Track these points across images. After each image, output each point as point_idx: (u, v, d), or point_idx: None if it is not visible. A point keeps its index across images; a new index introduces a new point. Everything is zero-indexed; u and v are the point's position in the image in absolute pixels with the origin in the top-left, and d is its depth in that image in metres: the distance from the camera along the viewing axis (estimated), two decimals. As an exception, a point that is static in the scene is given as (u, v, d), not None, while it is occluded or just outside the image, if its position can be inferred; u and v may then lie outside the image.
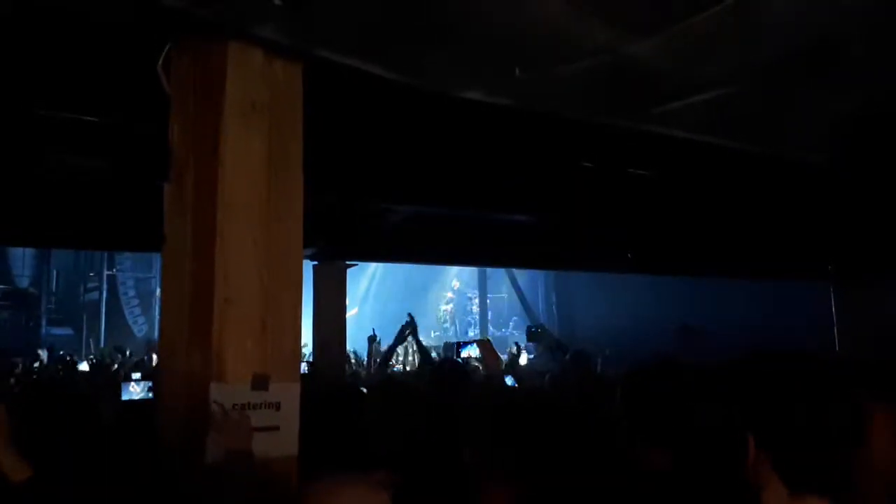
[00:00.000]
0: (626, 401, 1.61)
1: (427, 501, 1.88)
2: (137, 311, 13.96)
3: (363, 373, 5.77)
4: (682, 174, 3.49)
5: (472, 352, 3.78)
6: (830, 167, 3.57)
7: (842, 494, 1.13)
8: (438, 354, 6.75)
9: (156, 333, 12.57)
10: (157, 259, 12.76)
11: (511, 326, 12.96)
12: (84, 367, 7.76)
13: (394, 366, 6.77)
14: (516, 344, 8.55)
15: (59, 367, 7.80)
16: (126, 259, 13.79)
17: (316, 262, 4.30)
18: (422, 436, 2.02)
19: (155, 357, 7.97)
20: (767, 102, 2.92)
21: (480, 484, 1.72)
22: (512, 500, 1.67)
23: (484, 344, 3.53)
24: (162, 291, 2.20)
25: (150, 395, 3.20)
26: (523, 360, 7.03)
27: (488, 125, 2.88)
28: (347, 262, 4.40)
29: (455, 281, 13.93)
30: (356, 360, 6.34)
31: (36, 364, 8.18)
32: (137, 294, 13.96)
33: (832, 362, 1.20)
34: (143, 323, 13.85)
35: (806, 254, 5.05)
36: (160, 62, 2.03)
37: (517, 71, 2.35)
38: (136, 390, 3.31)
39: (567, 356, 6.31)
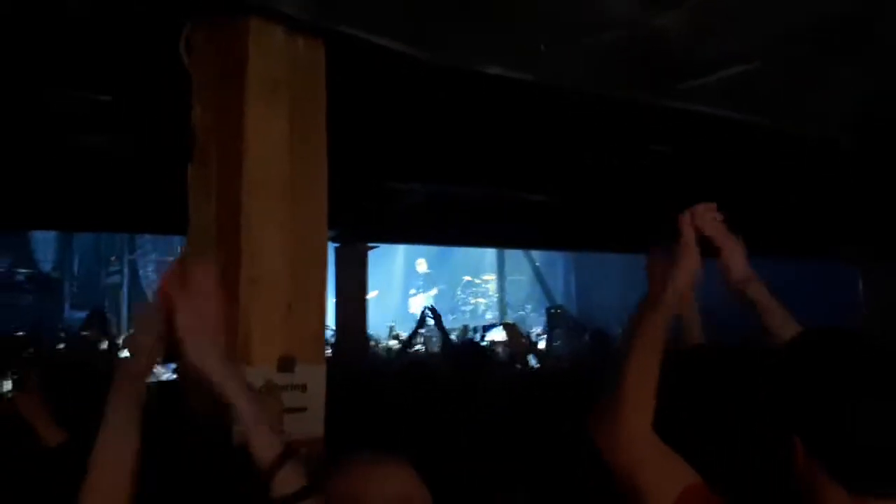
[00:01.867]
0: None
1: (451, 480, 1.87)
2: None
3: (385, 356, 5.79)
4: (705, 152, 3.42)
5: (497, 335, 3.75)
6: (857, 148, 3.49)
7: None
8: (457, 338, 6.76)
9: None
10: (178, 242, 12.87)
11: (529, 309, 12.92)
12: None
13: (416, 350, 6.79)
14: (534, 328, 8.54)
15: (83, 347, 7.89)
16: (147, 242, 13.89)
17: (338, 245, 4.29)
18: (441, 416, 2.01)
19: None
20: (793, 79, 2.84)
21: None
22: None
23: (510, 327, 3.51)
24: (186, 274, 2.18)
25: (175, 376, 3.22)
26: (542, 342, 7.02)
27: (510, 103, 2.83)
28: (369, 244, 4.38)
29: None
30: (378, 342, 6.36)
31: (60, 346, 8.28)
32: (159, 277, 14.06)
33: (883, 347, 1.10)
34: (165, 306, 13.95)
35: (832, 236, 4.96)
36: (182, 41, 2.00)
37: (541, 46, 2.30)
38: (159, 370, 3.33)
39: (586, 336, 6.29)
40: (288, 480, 1.15)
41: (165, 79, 2.08)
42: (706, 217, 1.38)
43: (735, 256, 1.39)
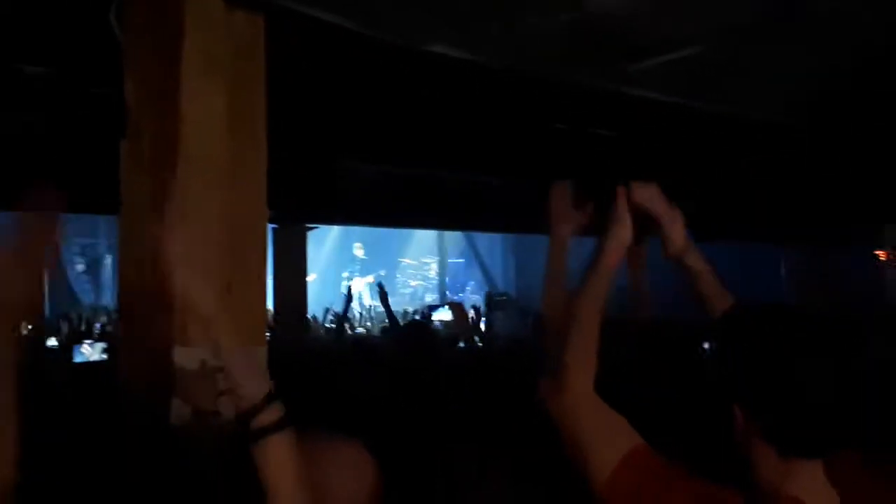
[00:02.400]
0: None
1: (401, 461, 1.88)
2: (84, 277, 13.54)
3: (324, 337, 5.74)
4: (653, 136, 3.50)
5: (442, 315, 3.75)
6: (803, 129, 3.62)
7: (833, 455, 1.11)
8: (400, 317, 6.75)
9: (104, 300, 12.24)
10: (103, 224, 12.38)
11: (468, 291, 13.01)
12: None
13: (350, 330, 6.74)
14: (474, 307, 8.59)
15: None
16: (69, 223, 13.31)
17: (276, 225, 4.20)
18: (389, 396, 2.01)
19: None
20: (741, 61, 2.92)
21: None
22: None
23: (456, 307, 3.52)
24: (119, 254, 2.11)
25: (106, 356, 3.12)
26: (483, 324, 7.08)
27: (458, 84, 2.83)
28: (308, 226, 4.31)
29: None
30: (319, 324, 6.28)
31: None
32: (83, 260, 13.53)
33: (821, 318, 1.15)
34: (90, 290, 13.45)
35: (763, 217, 5.16)
36: (112, 10, 1.91)
37: (488, 25, 2.30)
38: (88, 352, 3.21)
39: (529, 320, 6.39)
40: (269, 416, 1.13)
41: (96, 50, 1.98)
42: (645, 191, 1.41)
43: (674, 227, 1.42)
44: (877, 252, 6.11)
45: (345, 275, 13.56)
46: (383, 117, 2.94)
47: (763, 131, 3.57)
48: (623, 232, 1.34)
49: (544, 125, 3.19)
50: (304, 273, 4.45)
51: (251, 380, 1.16)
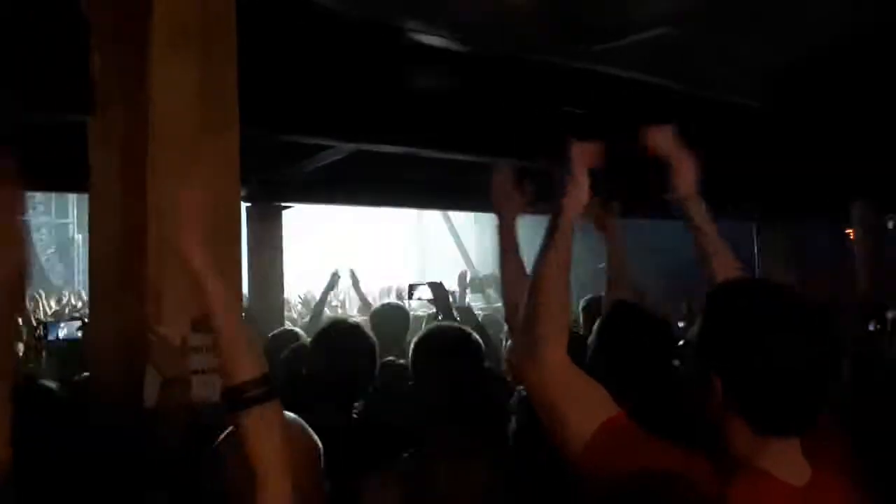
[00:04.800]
0: None
1: (369, 442, 1.89)
2: (55, 258, 13.31)
3: (300, 320, 5.70)
4: (618, 114, 3.50)
5: (423, 293, 3.73)
6: (762, 112, 3.67)
7: (808, 433, 1.12)
8: (374, 300, 6.73)
9: (76, 281, 12.07)
10: (73, 203, 12.15)
11: (448, 270, 13.01)
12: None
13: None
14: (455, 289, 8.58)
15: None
16: (39, 204, 13.05)
17: (250, 203, 4.15)
18: (371, 376, 2.01)
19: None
20: (705, 45, 2.95)
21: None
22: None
23: (436, 286, 3.50)
24: (89, 232, 2.08)
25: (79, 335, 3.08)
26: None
27: (429, 61, 2.81)
28: (283, 204, 4.25)
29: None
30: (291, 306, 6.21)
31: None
32: (54, 241, 13.30)
33: (801, 296, 1.16)
34: (61, 270, 13.23)
35: (735, 195, 5.21)
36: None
37: (455, 3, 2.29)
38: (62, 332, 3.17)
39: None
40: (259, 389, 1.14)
41: (61, 21, 1.93)
42: (658, 132, 1.41)
43: (682, 169, 1.41)
44: (847, 231, 6.21)
45: (326, 256, 13.50)
46: (358, 95, 2.91)
47: (733, 111, 3.61)
48: (578, 192, 1.32)
49: (515, 104, 3.19)
50: (280, 253, 4.40)
51: (246, 357, 1.18)
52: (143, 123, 1.82)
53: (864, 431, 1.46)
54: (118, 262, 1.90)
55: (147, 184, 1.81)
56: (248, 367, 1.17)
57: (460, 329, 1.87)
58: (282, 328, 3.39)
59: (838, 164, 4.35)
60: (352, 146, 3.26)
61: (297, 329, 3.38)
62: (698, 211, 1.46)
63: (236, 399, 1.14)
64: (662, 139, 1.37)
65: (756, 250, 6.49)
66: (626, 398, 1.19)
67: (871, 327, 3.31)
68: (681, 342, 1.70)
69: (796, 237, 6.19)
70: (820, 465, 1.14)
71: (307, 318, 5.69)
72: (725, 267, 1.41)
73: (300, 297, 6.12)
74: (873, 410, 1.90)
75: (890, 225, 6.38)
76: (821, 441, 1.17)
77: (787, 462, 1.10)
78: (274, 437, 1.14)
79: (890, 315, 3.42)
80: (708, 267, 1.44)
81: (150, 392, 1.69)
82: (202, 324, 1.82)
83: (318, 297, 6.10)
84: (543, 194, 1.48)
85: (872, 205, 5.41)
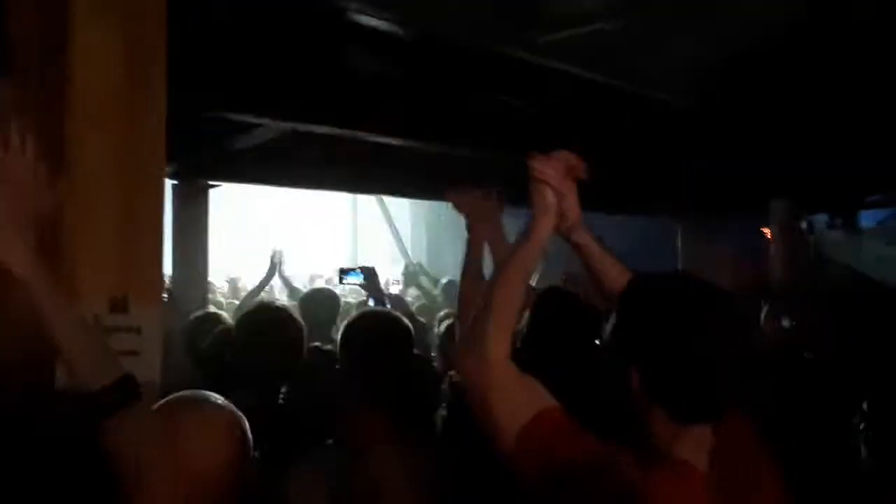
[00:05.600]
0: None
1: (295, 428, 1.87)
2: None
3: (225, 303, 5.56)
4: (558, 107, 3.55)
5: (356, 279, 3.69)
6: (694, 111, 3.78)
7: (722, 420, 1.17)
8: (304, 285, 6.64)
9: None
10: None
11: (381, 257, 12.94)
12: None
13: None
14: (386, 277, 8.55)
15: None
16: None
17: (175, 182, 4.00)
18: (298, 361, 1.98)
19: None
20: (644, 41, 3.01)
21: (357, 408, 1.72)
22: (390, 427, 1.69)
23: (369, 271, 3.48)
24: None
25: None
26: (395, 290, 7.08)
27: (371, 44, 2.76)
28: (210, 183, 4.12)
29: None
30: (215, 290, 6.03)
31: None
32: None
33: (714, 289, 1.20)
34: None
35: (662, 193, 5.37)
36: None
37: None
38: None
39: (439, 286, 6.45)
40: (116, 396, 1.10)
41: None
42: (545, 164, 1.43)
43: (568, 201, 1.44)
44: (763, 229, 6.48)
45: (252, 239, 13.18)
46: (292, 73, 2.83)
47: (662, 110, 3.70)
48: (549, 220, 1.37)
49: (456, 91, 3.18)
50: (205, 234, 4.26)
51: (97, 364, 1.14)
52: (61, 90, 1.72)
53: (774, 421, 1.54)
54: (33, 238, 1.80)
55: (66, 156, 1.72)
56: (100, 374, 1.13)
57: (390, 314, 1.86)
58: (205, 311, 3.30)
59: (759, 163, 4.54)
60: (284, 125, 3.18)
61: (222, 312, 3.30)
62: (585, 234, 1.50)
63: (92, 408, 1.11)
64: (551, 168, 1.40)
65: (678, 247, 6.71)
66: (554, 383, 1.21)
67: (785, 324, 3.47)
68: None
69: (718, 235, 6.42)
70: (734, 454, 1.19)
71: (233, 301, 5.57)
72: (620, 277, 1.46)
73: (225, 280, 5.96)
74: (783, 402, 2.00)
75: (804, 225, 6.68)
76: (733, 430, 1.23)
77: (703, 450, 1.15)
78: (142, 439, 1.11)
79: (802, 313, 3.59)
80: (602, 282, 1.49)
81: (62, 374, 1.61)
82: (120, 303, 1.75)
83: (242, 280, 5.94)
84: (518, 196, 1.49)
85: (790, 204, 5.65)
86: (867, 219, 7.99)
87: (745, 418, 1.32)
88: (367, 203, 13.06)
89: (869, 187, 6.11)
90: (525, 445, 1.15)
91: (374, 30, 2.64)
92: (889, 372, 2.15)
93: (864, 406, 1.76)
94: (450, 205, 2.04)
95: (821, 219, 7.42)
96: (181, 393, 1.32)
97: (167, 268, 3.91)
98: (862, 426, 1.74)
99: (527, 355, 1.32)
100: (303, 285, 6.46)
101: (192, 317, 3.02)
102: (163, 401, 1.33)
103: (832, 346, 2.72)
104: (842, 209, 7.06)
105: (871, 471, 1.71)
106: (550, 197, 1.38)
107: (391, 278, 8.50)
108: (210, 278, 4.95)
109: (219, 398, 1.34)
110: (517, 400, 1.20)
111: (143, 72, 1.84)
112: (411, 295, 6.68)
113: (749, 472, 1.26)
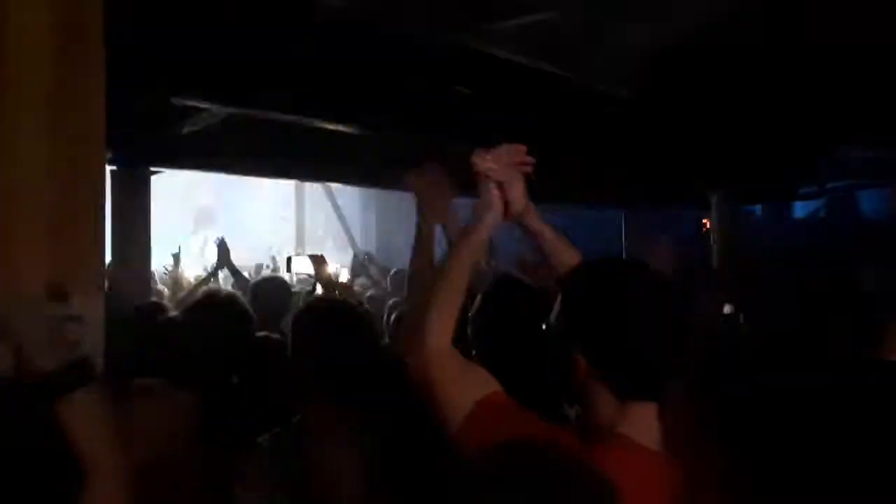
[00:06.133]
0: None
1: (244, 405, 1.85)
2: None
3: (167, 291, 5.43)
4: (501, 96, 3.57)
5: (303, 267, 3.65)
6: (631, 101, 3.86)
7: (666, 398, 1.22)
8: (250, 274, 6.53)
9: None
10: None
11: (329, 247, 12.82)
12: None
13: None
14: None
15: None
16: None
17: (115, 167, 3.88)
18: (247, 349, 1.95)
19: None
20: (584, 31, 3.06)
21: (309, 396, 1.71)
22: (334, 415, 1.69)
23: (316, 258, 3.44)
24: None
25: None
26: (343, 278, 7.03)
27: (317, 29, 2.72)
28: (152, 169, 4.00)
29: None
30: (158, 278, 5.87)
31: None
32: None
33: (654, 273, 1.25)
34: None
35: (604, 182, 5.47)
36: None
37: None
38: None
39: (387, 276, 6.44)
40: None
41: None
42: (488, 156, 1.45)
43: (514, 189, 1.47)
44: (703, 220, 6.67)
45: (194, 228, 12.89)
46: (236, 56, 2.77)
47: (605, 98, 3.77)
48: (494, 216, 1.41)
49: (402, 80, 3.17)
50: (147, 222, 4.15)
51: (47, 347, 1.14)
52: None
53: (713, 401, 1.61)
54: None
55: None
56: (50, 357, 1.13)
57: (345, 302, 1.86)
58: (147, 300, 3.22)
59: (700, 153, 4.67)
60: (229, 110, 3.11)
61: (164, 302, 3.23)
62: (535, 219, 1.54)
63: (38, 393, 1.11)
64: (493, 162, 1.43)
65: (623, 236, 6.87)
66: (504, 366, 1.24)
67: (726, 310, 3.61)
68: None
69: (661, 225, 6.59)
70: (673, 431, 1.25)
71: (176, 292, 5.44)
72: (573, 260, 1.51)
73: (166, 269, 5.82)
74: (723, 383, 2.08)
75: (740, 216, 6.88)
76: (674, 409, 1.28)
77: (645, 427, 1.20)
78: (92, 423, 1.12)
79: (739, 301, 3.73)
80: (556, 266, 1.53)
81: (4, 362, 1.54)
82: (59, 290, 1.69)
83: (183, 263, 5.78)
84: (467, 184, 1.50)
85: (730, 194, 5.84)
86: (799, 210, 8.32)
87: (687, 398, 1.37)
88: (314, 193, 12.92)
89: (801, 180, 6.37)
90: (471, 429, 1.18)
91: (323, 16, 2.60)
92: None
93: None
94: (401, 195, 2.05)
95: (757, 209, 7.68)
96: (135, 379, 1.30)
97: (108, 257, 3.80)
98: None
99: (477, 341, 1.34)
100: (248, 275, 6.35)
101: (135, 306, 2.94)
102: (118, 385, 1.31)
103: (770, 330, 2.83)
104: (776, 200, 7.32)
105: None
106: (494, 191, 1.41)
107: (340, 268, 8.45)
108: (153, 267, 4.83)
109: (167, 386, 1.33)
110: (462, 385, 1.23)
111: (80, 46, 1.77)
112: (360, 285, 6.65)
113: (695, 451, 1.31)
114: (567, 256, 1.51)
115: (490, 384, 1.24)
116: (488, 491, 0.87)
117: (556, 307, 1.28)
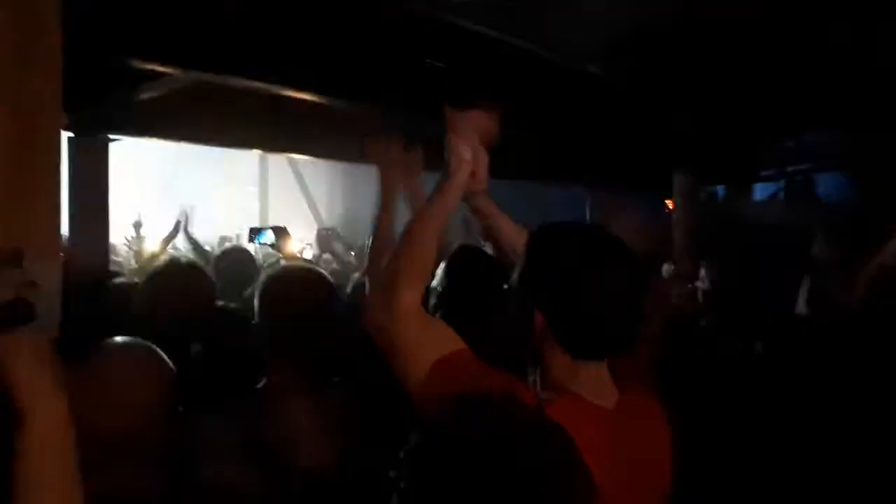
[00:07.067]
0: None
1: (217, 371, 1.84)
2: None
3: (127, 264, 5.34)
4: (473, 70, 3.56)
5: (266, 238, 3.62)
6: (604, 79, 3.87)
7: (618, 356, 1.26)
8: (212, 248, 6.44)
9: None
10: None
11: (293, 222, 12.69)
12: None
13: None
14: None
15: None
16: None
17: (72, 135, 3.77)
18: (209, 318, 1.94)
19: None
20: (555, 5, 3.06)
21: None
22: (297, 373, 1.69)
23: (280, 230, 3.41)
24: None
25: None
26: (308, 255, 6.99)
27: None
28: (111, 137, 3.90)
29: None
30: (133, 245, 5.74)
31: None
32: None
33: (612, 239, 1.28)
34: None
35: (570, 161, 5.51)
36: None
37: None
38: None
39: (352, 254, 6.41)
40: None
41: None
42: (464, 120, 1.45)
43: (480, 164, 1.48)
44: (666, 201, 6.76)
45: (153, 199, 12.61)
46: (199, 20, 2.71)
47: (575, 76, 3.78)
48: (462, 174, 1.42)
49: (369, 49, 3.14)
50: (105, 190, 4.04)
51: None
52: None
53: (671, 363, 1.66)
54: None
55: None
56: None
57: (312, 268, 1.86)
58: (105, 269, 3.15)
59: (664, 134, 4.72)
60: (191, 76, 3.04)
61: (123, 271, 3.17)
62: (487, 200, 1.57)
63: None
64: (467, 125, 1.44)
65: (587, 217, 6.94)
66: (468, 329, 1.26)
67: (689, 286, 3.72)
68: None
69: (623, 203, 6.66)
70: (627, 391, 1.29)
71: (140, 263, 5.34)
72: (518, 236, 1.53)
73: (127, 240, 5.70)
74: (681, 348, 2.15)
75: (702, 197, 7.00)
76: (629, 370, 1.32)
77: (598, 386, 1.25)
78: (27, 365, 1.10)
79: (701, 276, 3.82)
80: (501, 242, 1.56)
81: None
82: (14, 256, 1.65)
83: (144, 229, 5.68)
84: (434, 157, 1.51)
85: (691, 176, 5.93)
86: (761, 191, 8.49)
87: (644, 360, 1.42)
88: (279, 165, 12.75)
89: (762, 162, 6.50)
90: (434, 385, 1.20)
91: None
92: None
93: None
94: (367, 170, 2.04)
95: (719, 190, 7.82)
96: (110, 339, 1.29)
97: (66, 227, 3.70)
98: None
99: (439, 310, 1.36)
100: (211, 248, 6.27)
101: (93, 275, 2.89)
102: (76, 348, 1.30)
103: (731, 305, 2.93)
104: (737, 182, 7.46)
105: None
106: (466, 153, 1.42)
107: (305, 245, 8.39)
108: (113, 239, 4.72)
109: (147, 345, 1.32)
110: (426, 342, 1.25)
111: (36, 15, 1.72)
112: (324, 261, 6.61)
113: (643, 410, 1.35)
114: (512, 232, 1.54)
115: (455, 342, 1.26)
116: (446, 443, 0.88)
117: (518, 266, 1.30)
